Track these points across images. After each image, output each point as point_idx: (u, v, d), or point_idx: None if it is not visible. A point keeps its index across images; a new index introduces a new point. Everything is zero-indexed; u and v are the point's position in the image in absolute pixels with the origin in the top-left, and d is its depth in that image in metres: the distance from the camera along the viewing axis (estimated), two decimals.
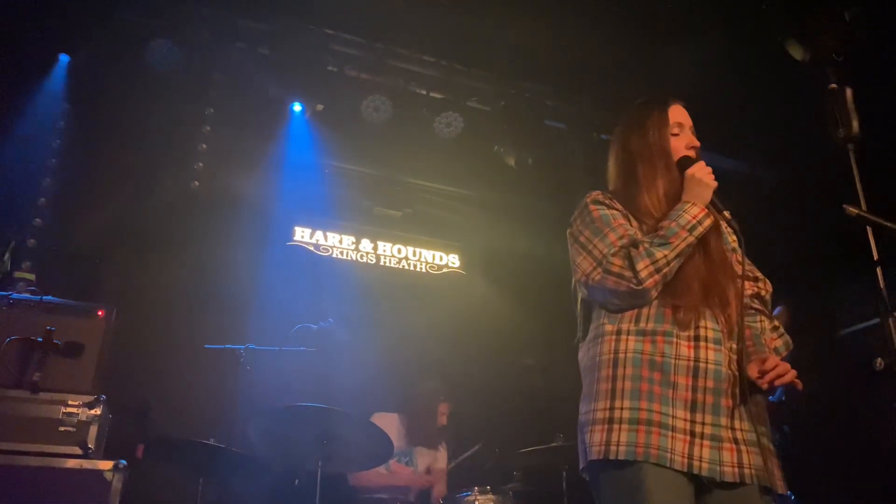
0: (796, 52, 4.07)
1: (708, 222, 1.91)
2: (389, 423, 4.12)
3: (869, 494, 3.29)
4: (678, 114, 2.10)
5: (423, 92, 5.29)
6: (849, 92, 1.87)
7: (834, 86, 1.88)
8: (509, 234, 5.74)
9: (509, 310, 5.58)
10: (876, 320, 1.65)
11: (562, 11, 4.55)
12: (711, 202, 1.94)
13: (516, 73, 5.36)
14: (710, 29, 4.49)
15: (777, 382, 1.80)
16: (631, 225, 1.98)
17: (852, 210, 1.62)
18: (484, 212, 5.91)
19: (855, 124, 1.81)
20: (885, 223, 1.62)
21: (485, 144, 5.52)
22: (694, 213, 1.90)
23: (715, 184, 1.95)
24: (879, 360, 1.60)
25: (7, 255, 3.05)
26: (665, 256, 1.84)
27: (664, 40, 4.63)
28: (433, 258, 5.88)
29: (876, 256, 1.65)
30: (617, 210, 2.00)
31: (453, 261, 5.94)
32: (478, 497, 3.77)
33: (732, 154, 4.55)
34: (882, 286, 1.63)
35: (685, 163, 2.01)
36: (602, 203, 2.02)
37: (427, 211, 5.93)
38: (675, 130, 2.07)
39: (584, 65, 4.96)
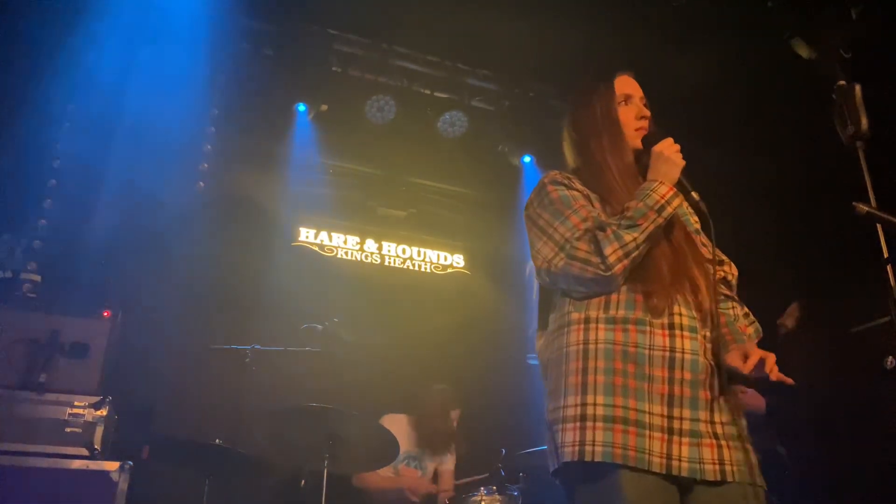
0: (802, 50, 4.06)
1: (676, 202, 1.81)
2: (399, 424, 4.11)
3: (880, 498, 3.27)
4: (625, 84, 2.02)
5: (427, 92, 5.29)
6: (857, 88, 1.84)
7: (843, 82, 1.85)
8: (514, 234, 5.72)
9: (514, 309, 5.57)
10: (886, 318, 1.63)
11: (566, 10, 4.54)
12: (679, 181, 1.84)
13: (520, 73, 5.35)
14: (716, 28, 4.48)
15: (769, 372, 1.70)
16: (593, 206, 1.87)
17: (862, 207, 1.60)
18: (488, 211, 5.90)
19: (864, 121, 1.78)
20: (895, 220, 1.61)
21: (489, 144, 5.51)
22: (662, 192, 1.79)
23: (683, 162, 1.86)
24: (890, 358, 1.58)
25: (19, 251, 3.06)
26: (634, 240, 1.73)
27: (670, 39, 4.62)
28: (438, 258, 5.87)
29: (886, 254, 1.63)
30: (577, 191, 1.89)
31: (458, 261, 5.94)
32: (484, 498, 3.75)
33: (740, 152, 4.53)
34: (893, 284, 1.61)
35: (651, 139, 1.92)
36: (561, 183, 1.91)
37: (432, 211, 5.93)
38: (622, 101, 1.99)
39: (589, 64, 4.94)
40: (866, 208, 1.60)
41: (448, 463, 4.38)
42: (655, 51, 4.63)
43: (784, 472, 3.50)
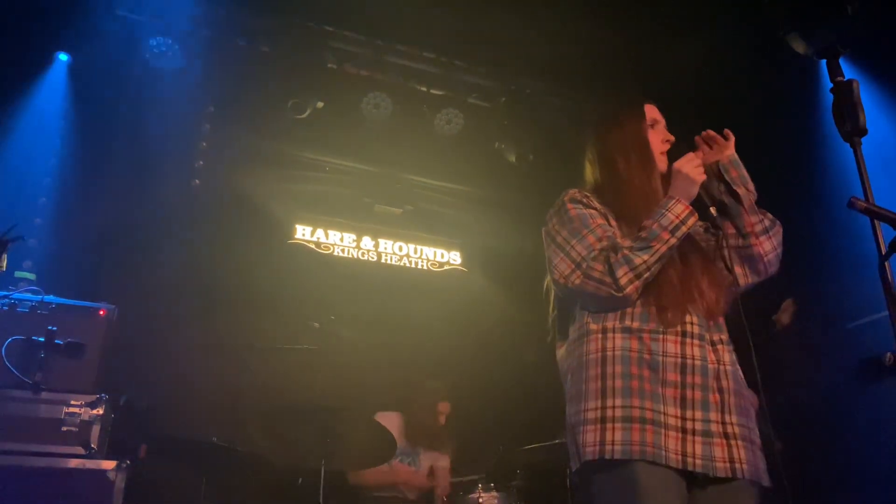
0: (798, 46, 4.05)
1: (692, 221, 1.86)
2: (391, 422, 4.09)
3: (878, 493, 3.28)
4: (652, 111, 2.10)
5: (424, 89, 5.28)
6: (855, 85, 1.84)
7: (840, 78, 1.85)
8: (511, 231, 5.73)
9: (511, 306, 5.57)
10: (883, 313, 1.63)
11: (561, 7, 4.54)
12: (698, 197, 1.90)
13: (516, 70, 5.35)
14: (710, 23, 4.48)
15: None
16: (610, 224, 1.95)
17: (860, 203, 1.60)
18: (485, 208, 5.89)
19: (861, 117, 1.78)
20: (894, 215, 1.61)
21: (485, 141, 5.51)
22: (677, 211, 1.85)
23: (702, 177, 1.90)
24: (889, 354, 1.59)
25: (3, 256, 3.05)
26: (645, 262, 1.81)
27: (664, 35, 4.62)
28: (434, 255, 5.87)
29: (883, 250, 1.63)
30: (595, 209, 1.96)
31: (455, 258, 5.93)
32: (482, 494, 3.76)
33: (736, 148, 4.53)
34: (890, 280, 1.61)
35: (674, 154, 1.97)
36: (579, 202, 1.98)
37: (428, 208, 5.92)
38: (651, 125, 2.07)
39: (584, 60, 4.94)
40: (864, 204, 1.60)
41: (443, 459, 4.38)
42: (649, 47, 4.64)
43: (780, 468, 3.52)
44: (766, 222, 1.99)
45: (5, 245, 2.95)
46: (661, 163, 2.03)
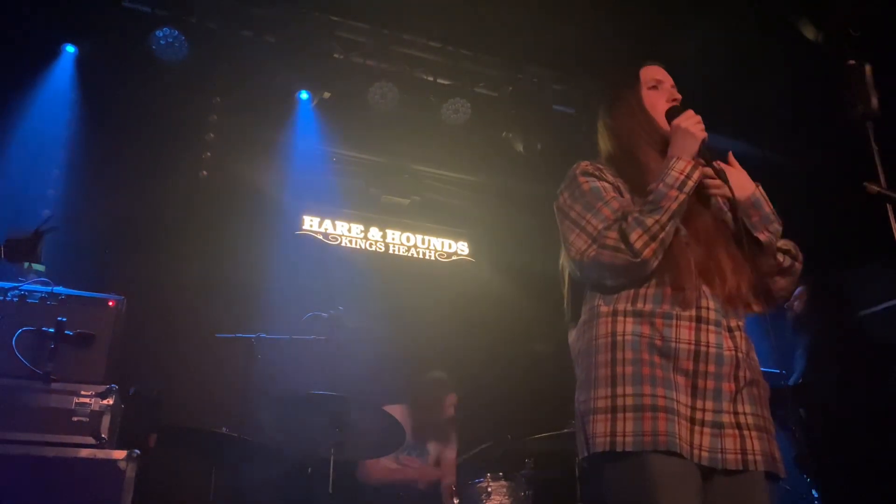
0: (809, 32, 4.02)
1: (697, 175, 1.80)
2: (397, 414, 4.09)
3: (890, 477, 3.27)
4: (653, 72, 2.03)
5: (430, 78, 5.26)
6: (867, 68, 1.82)
7: (852, 61, 1.83)
8: (519, 221, 5.71)
9: (519, 296, 5.56)
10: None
11: None
12: (700, 153, 1.83)
13: (523, 58, 5.32)
14: (720, 10, 4.44)
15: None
16: (623, 196, 1.88)
17: (873, 187, 1.58)
18: (493, 198, 5.88)
19: (874, 100, 1.76)
20: None
21: (493, 130, 5.49)
22: (680, 167, 1.79)
23: (703, 134, 1.84)
24: None
25: (40, 248, 3.05)
26: (657, 222, 1.74)
27: (673, 22, 4.58)
28: (442, 246, 5.86)
29: None
30: (607, 182, 1.90)
31: (462, 248, 5.92)
32: (490, 483, 3.77)
33: (747, 137, 4.49)
34: None
35: (672, 113, 1.92)
36: (591, 174, 1.91)
37: (435, 198, 5.91)
38: (653, 85, 2.00)
39: (592, 48, 4.91)
40: (877, 188, 1.58)
41: (450, 451, 4.37)
42: (657, 34, 4.59)
43: (792, 454, 3.53)
44: (787, 262, 1.92)
45: (42, 236, 2.95)
46: (667, 125, 1.95)
